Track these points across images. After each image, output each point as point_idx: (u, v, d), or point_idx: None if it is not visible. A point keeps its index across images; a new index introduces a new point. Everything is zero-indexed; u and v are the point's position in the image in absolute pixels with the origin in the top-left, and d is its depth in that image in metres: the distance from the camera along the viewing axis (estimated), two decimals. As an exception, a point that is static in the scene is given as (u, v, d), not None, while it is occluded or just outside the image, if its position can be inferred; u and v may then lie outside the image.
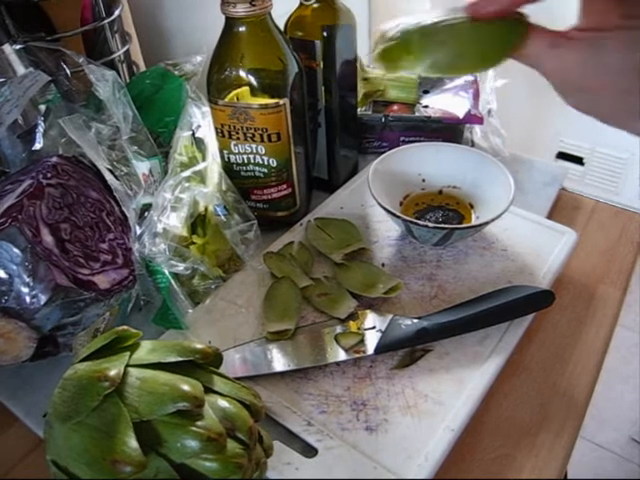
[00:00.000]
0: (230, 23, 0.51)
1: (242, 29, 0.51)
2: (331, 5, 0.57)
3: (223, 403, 0.33)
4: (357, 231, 0.58)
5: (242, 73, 0.52)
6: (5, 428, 0.47)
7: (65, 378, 0.33)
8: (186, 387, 0.31)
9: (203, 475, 0.30)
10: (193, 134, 0.56)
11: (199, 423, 0.30)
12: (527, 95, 1.62)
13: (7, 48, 0.51)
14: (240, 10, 0.49)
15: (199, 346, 0.35)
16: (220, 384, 0.35)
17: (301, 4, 0.57)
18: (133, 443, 0.28)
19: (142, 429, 0.29)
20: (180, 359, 0.34)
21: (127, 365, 0.32)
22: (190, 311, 0.50)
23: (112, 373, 0.31)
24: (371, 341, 0.46)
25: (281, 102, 0.53)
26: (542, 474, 0.42)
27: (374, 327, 0.48)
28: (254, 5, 0.49)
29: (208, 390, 0.33)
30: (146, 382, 0.31)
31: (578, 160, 1.70)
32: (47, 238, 0.44)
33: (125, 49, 0.67)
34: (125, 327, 0.36)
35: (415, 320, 0.47)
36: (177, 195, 0.50)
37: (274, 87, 0.53)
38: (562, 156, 1.73)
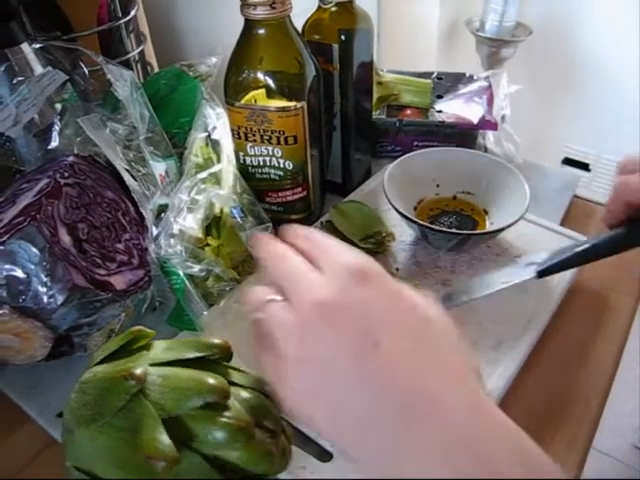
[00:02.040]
0: (249, 25, 0.51)
1: (261, 31, 0.51)
2: (349, 9, 0.57)
3: (245, 394, 0.33)
4: (377, 216, 0.59)
5: (260, 75, 0.52)
6: (17, 427, 0.47)
7: (83, 382, 0.33)
8: (212, 380, 0.31)
9: (235, 465, 0.30)
10: (209, 136, 0.56)
11: (227, 414, 0.30)
12: (534, 100, 1.62)
13: (25, 47, 0.51)
14: (260, 12, 0.49)
15: (217, 341, 0.36)
16: (238, 377, 0.35)
17: (319, 7, 0.57)
18: (165, 439, 0.28)
19: (170, 425, 0.29)
20: (198, 355, 0.34)
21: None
22: (205, 313, 0.50)
23: (138, 372, 0.31)
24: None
25: (299, 105, 0.52)
26: (557, 482, 0.42)
27: None
28: (274, 8, 0.49)
29: (229, 383, 0.33)
30: (168, 379, 0.31)
31: (584, 166, 1.70)
32: (65, 238, 0.44)
33: (140, 49, 0.67)
34: (140, 327, 0.36)
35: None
36: (193, 196, 0.50)
37: (292, 90, 0.53)
38: (568, 162, 1.73)
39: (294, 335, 0.28)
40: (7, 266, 0.41)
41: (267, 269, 0.31)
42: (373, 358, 0.26)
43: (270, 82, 0.52)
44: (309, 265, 0.30)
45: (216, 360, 0.36)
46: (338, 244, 0.31)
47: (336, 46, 0.57)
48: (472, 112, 0.70)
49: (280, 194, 0.58)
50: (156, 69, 0.73)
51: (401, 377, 0.26)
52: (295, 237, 0.33)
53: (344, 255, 0.30)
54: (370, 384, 0.26)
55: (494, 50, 1.42)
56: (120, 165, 0.49)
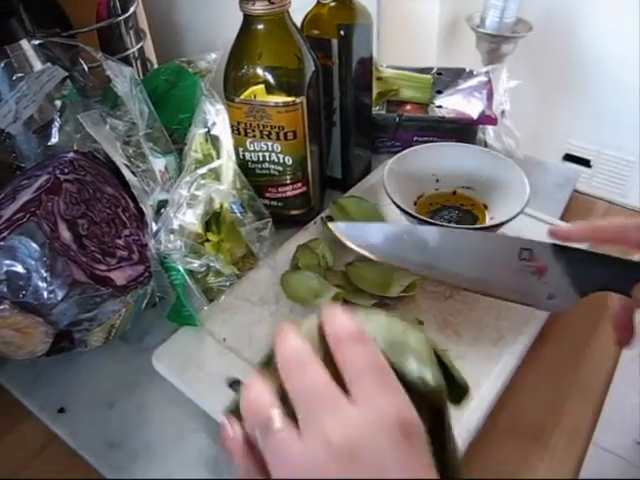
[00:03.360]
0: (248, 20, 0.51)
1: (260, 27, 0.51)
2: (348, 4, 0.57)
3: None
4: (377, 211, 0.59)
5: (259, 71, 0.52)
6: (19, 422, 0.47)
7: None
8: None
9: None
10: (208, 131, 0.56)
11: None
12: (534, 96, 1.62)
13: (25, 44, 0.51)
14: (259, 8, 0.49)
15: None
16: None
17: (318, 2, 0.57)
18: None
19: None
20: None
21: None
22: (205, 308, 0.50)
23: None
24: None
25: (298, 100, 0.52)
26: (557, 476, 0.42)
27: None
28: (273, 3, 0.49)
29: None
30: None
31: (585, 162, 1.70)
32: (65, 234, 0.44)
33: (139, 46, 0.67)
34: None
35: None
36: (193, 192, 0.50)
37: (291, 85, 0.53)
38: (569, 158, 1.72)
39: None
40: (7, 262, 0.41)
41: (281, 376, 0.26)
42: None
43: (269, 77, 0.53)
44: (336, 388, 0.24)
45: None
46: (384, 371, 0.25)
47: (335, 41, 0.57)
48: (472, 107, 0.70)
49: (280, 189, 0.58)
50: (156, 65, 0.73)
51: None
52: (333, 331, 0.26)
53: (388, 396, 0.24)
54: None
55: (494, 46, 1.42)
56: (120, 161, 0.49)
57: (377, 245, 0.40)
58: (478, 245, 0.40)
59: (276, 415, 0.24)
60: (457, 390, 0.30)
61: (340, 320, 0.27)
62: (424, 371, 0.27)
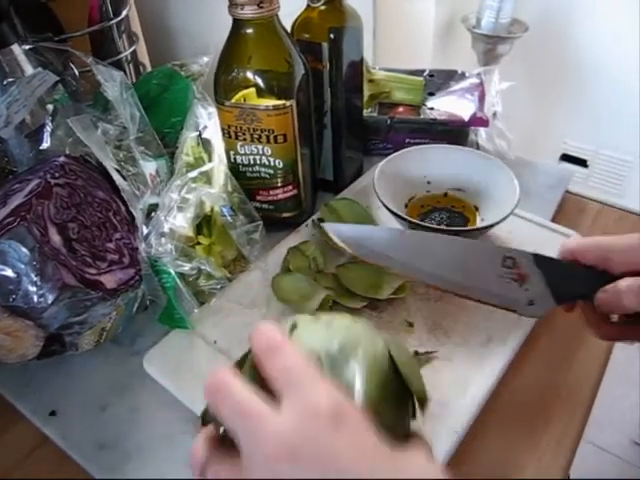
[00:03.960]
0: (238, 24, 0.51)
1: (249, 31, 0.51)
2: (338, 7, 0.57)
3: None
4: (368, 214, 0.59)
5: (249, 74, 0.53)
6: (10, 426, 0.48)
7: None
8: None
9: None
10: (200, 135, 0.57)
11: None
12: (530, 97, 1.62)
13: (16, 48, 0.51)
14: (248, 12, 0.49)
15: None
16: None
17: (308, 6, 0.57)
18: None
19: None
20: None
21: None
22: (196, 311, 0.50)
23: None
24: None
25: (288, 103, 0.53)
26: (545, 476, 0.42)
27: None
28: (262, 7, 0.49)
29: None
30: None
31: (582, 162, 1.70)
32: (55, 238, 0.44)
33: (132, 49, 0.67)
34: None
35: None
36: (183, 195, 0.50)
37: (281, 88, 0.53)
38: (566, 158, 1.72)
39: None
40: (-3, 266, 0.41)
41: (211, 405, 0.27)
42: None
43: (259, 81, 0.53)
44: (258, 402, 0.25)
45: None
46: (305, 367, 0.26)
47: (325, 45, 0.57)
48: (464, 109, 0.70)
49: (271, 192, 0.59)
50: (149, 69, 0.74)
51: None
52: (258, 350, 0.27)
53: (312, 390, 0.25)
54: None
55: (490, 47, 1.42)
56: (110, 165, 0.49)
57: (366, 246, 0.41)
58: (464, 251, 0.41)
59: (214, 452, 0.27)
60: (419, 398, 0.30)
61: (259, 335, 0.28)
62: (359, 383, 0.28)
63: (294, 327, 0.31)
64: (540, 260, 0.40)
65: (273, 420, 0.24)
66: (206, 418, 0.31)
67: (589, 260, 0.38)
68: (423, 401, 0.30)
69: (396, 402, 0.29)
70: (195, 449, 0.28)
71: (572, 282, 0.39)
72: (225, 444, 0.28)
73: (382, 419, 0.27)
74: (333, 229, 0.42)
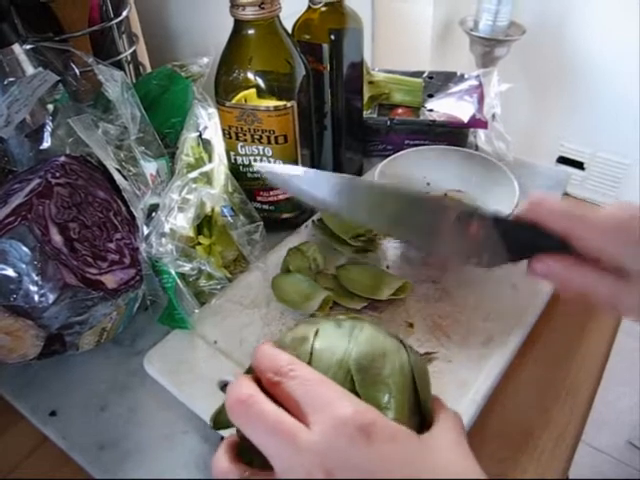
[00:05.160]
0: (239, 25, 0.51)
1: (251, 32, 0.51)
2: (339, 9, 0.57)
3: None
4: None
5: (250, 75, 0.53)
6: (11, 426, 0.48)
7: None
8: None
9: None
10: (200, 135, 0.57)
11: None
12: (528, 99, 1.63)
13: (16, 48, 0.51)
14: (249, 13, 0.49)
15: None
16: None
17: (309, 7, 0.57)
18: None
19: None
20: None
21: None
22: (196, 311, 0.50)
23: None
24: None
25: (288, 104, 0.53)
26: (545, 476, 0.43)
27: None
28: (263, 8, 0.49)
29: None
30: None
31: (578, 165, 1.70)
32: (56, 237, 0.44)
33: (132, 50, 0.67)
34: None
35: None
36: (184, 196, 0.50)
37: (281, 89, 0.53)
38: (563, 160, 1.73)
39: None
40: (-2, 265, 0.41)
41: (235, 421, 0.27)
42: None
43: (260, 82, 0.53)
44: (289, 418, 0.25)
45: None
46: (326, 385, 0.26)
47: (326, 46, 0.57)
48: (463, 111, 0.70)
49: (271, 193, 0.59)
50: (149, 69, 0.74)
51: None
52: (266, 371, 0.27)
53: (338, 404, 0.25)
54: None
55: (488, 49, 1.43)
56: (111, 165, 0.49)
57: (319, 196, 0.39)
58: (408, 205, 0.39)
59: (241, 469, 0.26)
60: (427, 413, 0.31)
61: (263, 358, 0.28)
62: (390, 404, 0.28)
63: (316, 335, 0.31)
64: (499, 220, 0.37)
65: (305, 435, 0.24)
66: (217, 423, 0.31)
67: (553, 227, 0.33)
68: (429, 416, 0.30)
69: (413, 413, 0.29)
70: (219, 460, 0.27)
71: (528, 246, 0.36)
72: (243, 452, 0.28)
73: (403, 421, 0.27)
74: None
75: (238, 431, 0.28)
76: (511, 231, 0.37)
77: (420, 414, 0.30)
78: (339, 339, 0.30)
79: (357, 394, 0.27)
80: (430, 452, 0.26)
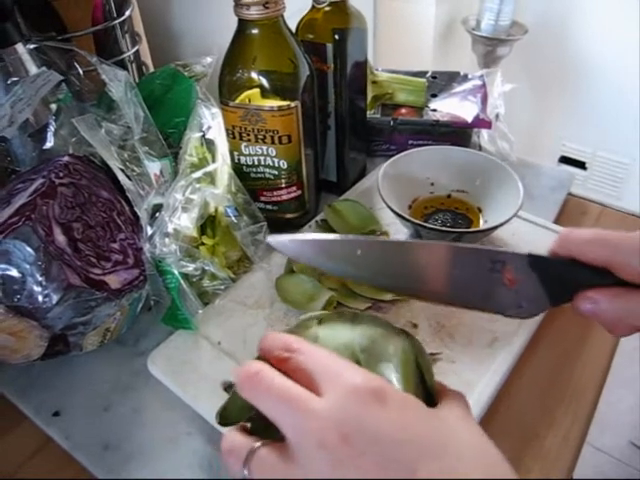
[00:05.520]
0: (243, 25, 0.51)
1: (255, 31, 0.51)
2: (343, 8, 0.57)
3: None
4: (372, 215, 0.59)
5: (254, 75, 0.53)
6: (14, 426, 0.47)
7: None
8: None
9: None
10: (203, 135, 0.57)
11: None
12: (530, 99, 1.62)
13: (20, 47, 0.51)
14: (253, 12, 0.49)
15: None
16: None
17: (313, 7, 0.57)
18: None
19: None
20: None
21: None
22: (200, 311, 0.50)
23: None
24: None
25: (292, 104, 0.53)
26: (550, 477, 0.43)
27: None
28: (267, 8, 0.49)
29: None
30: None
31: (580, 164, 1.70)
32: (60, 237, 0.44)
33: (135, 49, 0.67)
34: None
35: None
36: (188, 196, 0.50)
37: (285, 89, 0.53)
38: (564, 160, 1.73)
39: None
40: (2, 266, 0.41)
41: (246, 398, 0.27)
42: None
43: (264, 82, 0.53)
44: (300, 388, 0.25)
45: None
46: (335, 359, 0.27)
47: (330, 46, 0.57)
48: (466, 111, 0.70)
49: (275, 193, 0.59)
50: (151, 69, 0.74)
51: None
52: (274, 349, 0.28)
53: (349, 373, 0.26)
54: None
55: (490, 49, 1.43)
56: (115, 165, 0.49)
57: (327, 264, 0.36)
58: (448, 259, 0.36)
59: (252, 441, 0.26)
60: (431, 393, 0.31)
61: (271, 340, 0.28)
62: (398, 380, 0.29)
63: (320, 321, 0.32)
64: (534, 261, 0.35)
65: (318, 403, 0.24)
66: (223, 418, 0.31)
67: (589, 259, 0.32)
68: (433, 396, 0.31)
69: (418, 394, 0.29)
70: (228, 435, 0.27)
71: (569, 283, 0.34)
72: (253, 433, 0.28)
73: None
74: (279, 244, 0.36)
75: (248, 418, 0.28)
76: (549, 270, 0.35)
77: (425, 395, 0.30)
78: (342, 326, 0.31)
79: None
80: (441, 421, 0.26)
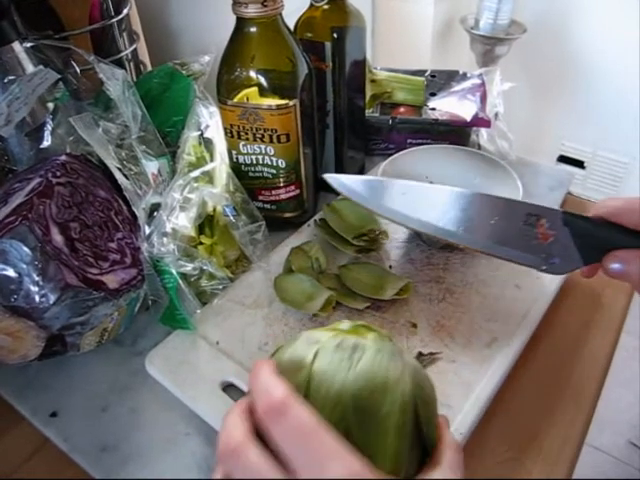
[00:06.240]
0: (241, 23, 0.51)
1: (253, 29, 0.51)
2: (341, 7, 0.57)
3: None
4: (370, 214, 0.59)
5: (252, 73, 0.52)
6: (11, 427, 0.47)
7: None
8: None
9: None
10: (201, 134, 0.56)
11: None
12: (528, 98, 1.62)
13: (17, 46, 0.51)
14: (252, 11, 0.49)
15: None
16: None
17: (311, 5, 0.57)
18: None
19: None
20: None
21: None
22: (198, 311, 0.50)
23: None
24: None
25: (291, 103, 0.52)
26: (551, 476, 0.42)
27: None
28: (266, 6, 0.49)
29: None
30: None
31: (579, 164, 1.70)
32: (57, 237, 0.44)
33: (132, 48, 0.67)
34: None
35: None
36: (186, 195, 0.50)
37: (284, 88, 0.53)
38: (563, 159, 1.73)
39: None
40: (-1, 265, 0.41)
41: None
42: None
43: (262, 80, 0.52)
44: (277, 472, 0.24)
45: None
46: (319, 435, 0.24)
47: (328, 44, 0.57)
48: (465, 109, 0.70)
49: (273, 192, 0.58)
50: (149, 68, 0.73)
51: None
52: (259, 403, 0.26)
53: (329, 466, 0.23)
54: None
55: (489, 48, 1.43)
56: (112, 164, 0.49)
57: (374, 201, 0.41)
58: (480, 208, 0.39)
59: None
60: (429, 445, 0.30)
61: (260, 392, 0.26)
62: (387, 450, 0.27)
63: (315, 357, 0.29)
64: (568, 217, 0.36)
65: None
66: None
67: (622, 222, 0.34)
68: (430, 447, 0.29)
69: (413, 446, 0.28)
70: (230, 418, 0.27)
71: (601, 242, 0.35)
72: None
73: (399, 466, 0.27)
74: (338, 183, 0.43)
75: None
76: (582, 228, 0.36)
77: (422, 444, 0.29)
78: (338, 365, 0.29)
79: (352, 434, 0.27)
80: None
